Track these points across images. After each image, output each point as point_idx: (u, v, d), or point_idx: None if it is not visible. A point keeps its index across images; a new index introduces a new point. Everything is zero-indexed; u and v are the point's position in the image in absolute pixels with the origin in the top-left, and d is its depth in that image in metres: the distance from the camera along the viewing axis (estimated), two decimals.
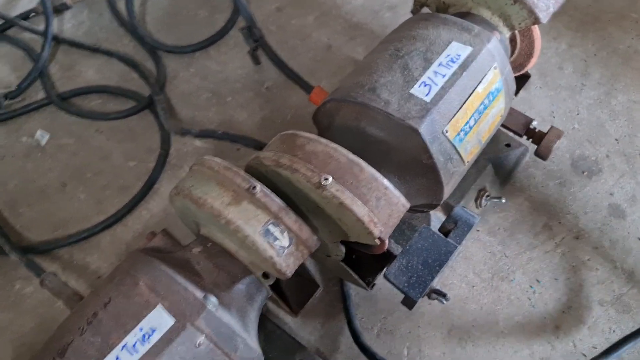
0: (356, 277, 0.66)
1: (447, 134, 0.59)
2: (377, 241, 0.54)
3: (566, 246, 0.78)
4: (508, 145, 0.82)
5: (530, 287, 0.75)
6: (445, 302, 0.60)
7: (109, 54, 0.96)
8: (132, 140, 0.89)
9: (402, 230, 0.74)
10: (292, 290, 0.67)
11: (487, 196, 0.75)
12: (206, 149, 0.87)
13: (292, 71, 0.83)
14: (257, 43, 0.81)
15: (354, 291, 0.75)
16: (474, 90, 0.61)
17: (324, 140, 0.57)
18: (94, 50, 0.97)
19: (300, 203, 0.58)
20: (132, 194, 0.84)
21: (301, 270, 0.68)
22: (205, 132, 0.79)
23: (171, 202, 0.60)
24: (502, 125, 0.79)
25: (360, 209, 0.53)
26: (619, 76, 0.92)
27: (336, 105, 0.63)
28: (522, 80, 0.80)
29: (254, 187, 0.54)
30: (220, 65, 0.96)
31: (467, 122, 0.61)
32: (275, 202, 0.54)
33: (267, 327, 0.73)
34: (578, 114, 0.88)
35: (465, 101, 0.61)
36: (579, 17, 0.99)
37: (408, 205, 0.57)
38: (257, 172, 0.59)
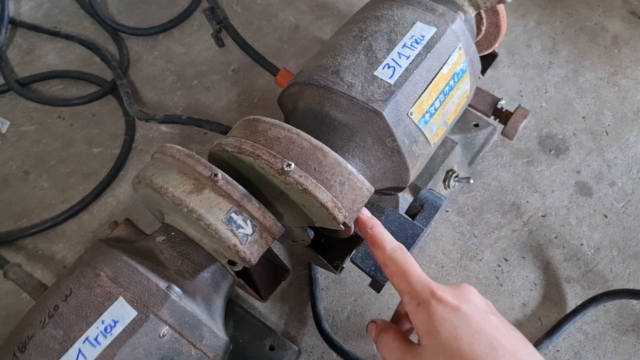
0: (324, 261, 0.65)
1: (412, 117, 0.58)
2: (342, 226, 0.54)
3: (533, 225, 0.78)
4: (476, 125, 0.82)
5: (499, 265, 0.76)
6: None
7: (69, 37, 0.93)
8: (96, 126, 0.87)
9: (371, 213, 0.73)
10: (261, 276, 0.67)
11: (456, 177, 0.75)
12: (172, 134, 0.86)
13: (257, 53, 0.81)
14: (220, 25, 0.79)
15: (323, 275, 0.74)
16: (438, 72, 0.61)
17: (286, 126, 0.56)
18: (54, 33, 0.94)
19: (264, 189, 0.57)
20: (97, 180, 0.83)
21: (270, 256, 0.68)
22: (169, 117, 0.77)
23: (134, 190, 0.59)
24: (470, 106, 0.79)
25: (323, 195, 0.52)
26: (586, 53, 0.92)
27: (299, 89, 0.62)
28: (489, 60, 0.80)
29: (216, 175, 0.53)
30: (185, 48, 0.94)
31: (433, 104, 0.61)
32: (238, 189, 0.53)
33: (236, 313, 0.72)
34: (546, 93, 0.89)
35: (430, 83, 0.60)
36: None
37: (372, 189, 0.56)
38: (220, 159, 0.58)
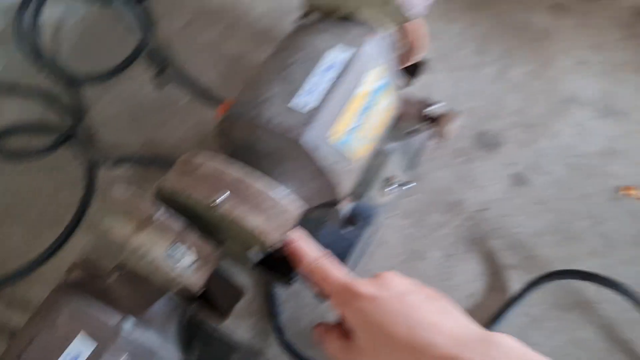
0: (274, 277, 0.70)
1: (330, 140, 0.64)
2: (272, 249, 0.59)
3: (475, 219, 0.83)
4: (412, 131, 0.87)
5: (444, 262, 0.81)
6: None
7: (27, 91, 0.99)
8: (60, 173, 0.92)
9: (317, 225, 0.78)
10: (220, 297, 0.72)
11: (394, 183, 0.80)
12: (132, 172, 0.91)
13: (200, 88, 0.87)
14: (161, 66, 0.84)
15: (282, 289, 0.79)
16: (354, 93, 0.66)
17: (215, 160, 0.61)
18: (11, 88, 0.99)
19: (204, 221, 0.62)
20: (64, 224, 0.88)
21: (224, 277, 0.73)
22: (121, 158, 0.83)
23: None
24: (402, 113, 0.84)
25: (252, 222, 0.58)
26: (513, 50, 0.97)
27: (229, 124, 0.67)
28: (419, 68, 0.85)
29: (155, 213, 0.58)
30: (137, 88, 0.99)
31: (351, 124, 0.66)
32: (177, 224, 0.58)
33: (203, 333, 0.77)
34: (479, 92, 0.94)
35: (346, 105, 0.65)
36: None
37: (300, 210, 0.61)
38: (164, 196, 0.64)
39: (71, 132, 0.93)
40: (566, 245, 0.80)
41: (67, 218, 0.89)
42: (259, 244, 0.59)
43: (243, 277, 0.81)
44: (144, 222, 0.57)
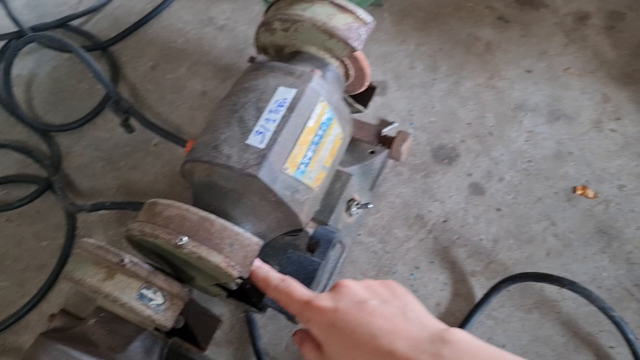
0: (246, 305, 0.74)
1: (287, 171, 0.68)
2: (239, 280, 0.63)
3: (437, 231, 0.88)
4: (372, 152, 0.91)
5: (411, 274, 0.85)
6: None
7: (3, 145, 1.03)
8: (41, 222, 0.96)
9: (286, 250, 0.83)
10: (197, 328, 0.76)
11: (357, 204, 0.84)
12: (110, 215, 0.95)
13: (165, 131, 0.91)
14: (126, 114, 0.88)
15: (259, 315, 0.83)
16: (304, 127, 0.70)
17: (177, 204, 0.65)
18: None
19: (173, 259, 0.67)
20: (49, 271, 0.91)
21: (201, 310, 0.77)
22: (95, 205, 0.87)
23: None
24: (358, 139, 0.88)
25: (216, 258, 0.62)
26: (464, 64, 1.02)
27: (190, 165, 0.71)
28: (369, 93, 0.89)
29: (123, 260, 0.62)
30: (108, 133, 1.03)
31: (305, 155, 0.70)
32: (144, 268, 0.63)
33: None
34: (433, 108, 0.98)
35: (298, 138, 0.70)
36: (422, 17, 1.09)
37: (261, 242, 0.66)
38: (134, 240, 0.68)
39: (49, 181, 0.97)
40: (525, 248, 0.84)
41: (51, 264, 0.93)
42: (225, 278, 0.63)
43: (220, 307, 0.84)
44: (113, 270, 0.61)
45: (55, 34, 1.13)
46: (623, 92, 0.95)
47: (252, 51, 1.05)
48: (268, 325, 0.83)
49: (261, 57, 0.82)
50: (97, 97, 1.07)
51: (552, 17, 1.05)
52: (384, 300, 0.52)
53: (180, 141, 0.91)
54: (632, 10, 1.03)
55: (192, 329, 0.75)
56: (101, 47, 1.12)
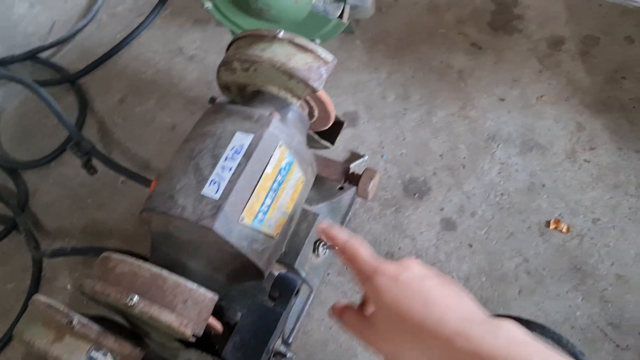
0: (209, 357, 0.72)
1: (243, 222, 0.66)
2: (193, 338, 0.61)
3: None
4: (341, 188, 0.89)
5: None
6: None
7: None
8: (7, 263, 0.94)
9: (255, 296, 0.80)
10: None
11: (324, 245, 0.82)
12: (75, 257, 0.93)
13: (129, 171, 0.89)
14: (87, 155, 0.86)
15: None
16: (262, 173, 0.68)
17: (130, 260, 0.63)
18: None
19: (128, 315, 0.65)
20: (14, 316, 0.89)
21: None
22: (55, 252, 0.85)
23: None
24: (324, 177, 0.86)
25: (168, 317, 0.60)
26: (437, 92, 1.00)
27: (147, 214, 0.69)
28: (336, 129, 0.87)
29: (71, 322, 0.60)
30: (75, 170, 1.01)
31: (264, 203, 0.68)
32: (93, 329, 0.60)
33: None
34: (404, 139, 0.96)
35: (256, 186, 0.68)
36: (394, 44, 1.07)
37: (216, 297, 0.64)
38: (87, 294, 0.66)
39: (15, 222, 0.95)
40: (497, 286, 0.82)
41: (16, 307, 0.91)
42: (180, 336, 0.61)
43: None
44: (62, 331, 0.59)
45: (16, 69, 1.11)
46: (597, 120, 0.93)
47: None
48: None
49: (221, 98, 0.80)
50: (64, 133, 1.05)
51: (526, 42, 1.03)
52: (444, 282, 0.52)
53: (145, 181, 0.89)
54: (606, 34, 1.01)
55: None
56: (70, 79, 1.10)
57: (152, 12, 1.12)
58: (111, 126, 1.05)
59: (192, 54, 1.12)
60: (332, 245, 0.60)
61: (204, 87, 1.07)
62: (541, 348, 0.43)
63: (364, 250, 0.56)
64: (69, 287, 0.64)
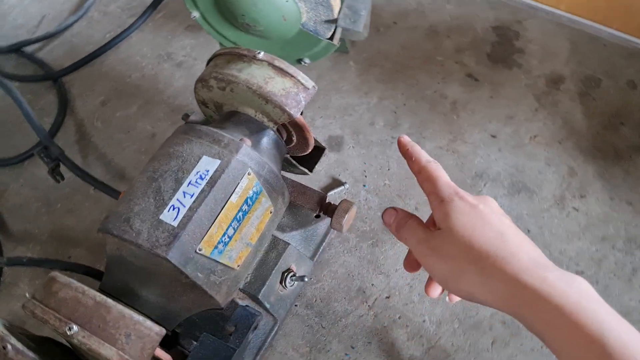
0: None
1: (201, 252, 0.62)
2: None
3: (378, 307, 0.82)
4: (317, 216, 0.86)
5: (346, 354, 0.79)
6: None
7: None
8: None
9: (217, 322, 0.77)
10: None
11: (292, 276, 0.78)
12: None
13: (98, 181, 0.85)
14: (55, 162, 0.83)
15: None
16: (226, 202, 0.65)
17: (75, 285, 0.60)
18: None
19: (70, 343, 0.61)
20: None
21: None
22: (11, 260, 0.81)
23: None
24: (299, 205, 0.82)
25: (107, 351, 0.56)
26: (427, 123, 0.97)
27: (102, 235, 0.66)
28: (317, 154, 0.84)
29: (5, 347, 0.57)
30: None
31: (225, 233, 0.65)
32: (28, 357, 0.57)
33: None
34: (389, 170, 0.93)
35: (218, 215, 0.64)
36: (389, 68, 1.03)
37: (163, 332, 0.60)
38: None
39: None
40: (469, 334, 0.78)
41: None
42: None
43: None
44: None
45: None
46: (590, 167, 0.89)
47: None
48: None
49: (194, 116, 0.77)
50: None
51: (525, 77, 0.99)
52: (517, 228, 0.49)
53: (114, 193, 0.85)
54: (608, 77, 0.97)
55: None
56: (53, 77, 1.07)
57: (144, 13, 1.09)
58: (90, 129, 1.01)
59: (181, 60, 1.09)
60: (409, 163, 0.57)
61: (189, 95, 1.03)
62: (610, 309, 0.41)
63: (444, 175, 0.53)
64: (27, 295, 0.60)
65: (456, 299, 0.56)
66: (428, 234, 0.51)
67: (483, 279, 0.46)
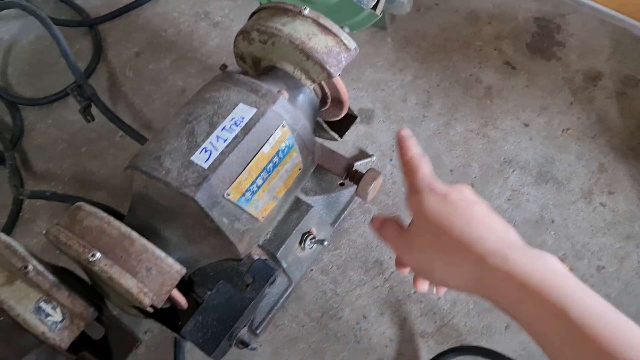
0: (169, 329, 0.69)
1: (229, 197, 0.62)
2: (150, 309, 0.57)
3: (394, 280, 0.81)
4: (342, 184, 0.85)
5: (357, 323, 0.78)
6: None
7: None
8: None
9: (231, 277, 0.77)
10: (115, 344, 0.70)
11: (312, 238, 0.78)
12: (58, 203, 0.89)
13: (127, 126, 0.85)
14: (88, 101, 0.83)
15: None
16: (258, 151, 0.64)
17: (100, 214, 0.60)
18: None
19: (88, 271, 0.61)
20: None
21: (123, 326, 0.71)
22: (34, 193, 0.82)
23: None
24: (325, 169, 0.82)
25: (128, 282, 0.56)
26: (459, 106, 0.96)
27: (130, 172, 0.65)
28: (349, 121, 0.83)
29: (26, 267, 0.56)
30: (77, 115, 0.97)
31: (254, 182, 0.64)
32: (48, 279, 0.57)
33: None
34: None
35: (249, 163, 0.63)
36: (426, 48, 1.02)
37: (183, 271, 0.60)
38: (52, 242, 0.62)
39: (3, 156, 0.92)
40: (483, 316, 0.77)
41: None
42: (137, 304, 0.58)
43: (150, 322, 0.79)
44: (14, 275, 0.56)
45: (37, 3, 1.08)
46: (621, 165, 0.88)
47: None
48: (195, 349, 0.77)
49: (232, 67, 0.76)
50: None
51: (562, 71, 0.98)
52: (492, 212, 0.50)
53: (141, 139, 0.85)
54: None
55: (109, 343, 0.69)
56: (89, 23, 1.07)
57: None
58: (122, 78, 1.01)
59: (218, 20, 1.09)
60: (400, 154, 0.58)
61: (224, 55, 1.03)
62: (577, 281, 0.41)
63: (425, 168, 0.55)
64: (45, 232, 0.60)
65: (443, 290, 0.57)
66: (403, 231, 0.53)
67: (452, 266, 0.47)
